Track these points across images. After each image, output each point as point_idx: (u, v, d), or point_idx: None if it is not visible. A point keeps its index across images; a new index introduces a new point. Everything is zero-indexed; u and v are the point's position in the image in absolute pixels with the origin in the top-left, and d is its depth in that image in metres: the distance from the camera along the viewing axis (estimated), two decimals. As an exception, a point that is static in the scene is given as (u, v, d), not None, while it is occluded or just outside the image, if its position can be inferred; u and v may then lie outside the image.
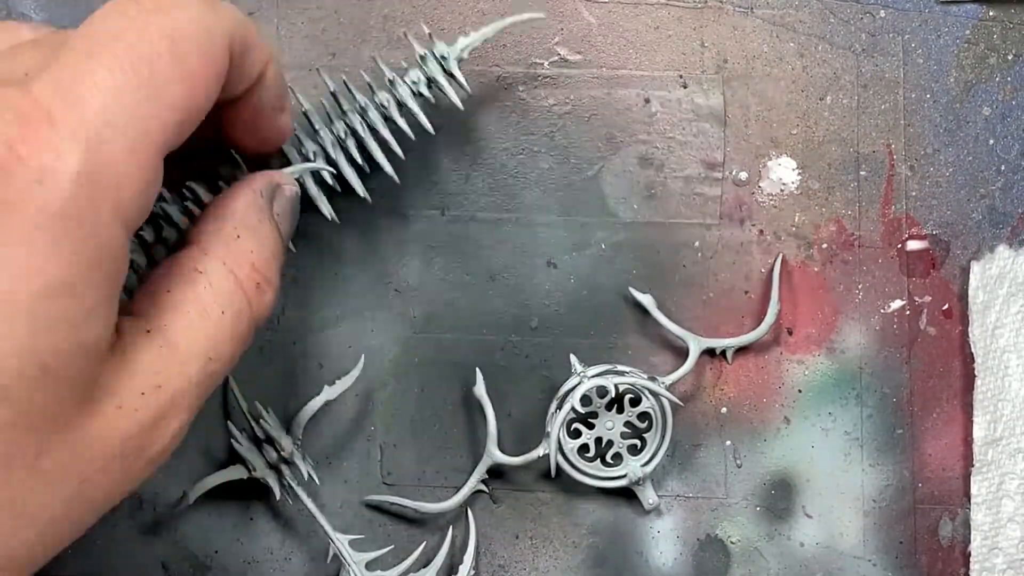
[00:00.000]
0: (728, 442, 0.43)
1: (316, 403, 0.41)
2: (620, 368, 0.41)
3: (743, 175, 0.43)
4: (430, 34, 0.40)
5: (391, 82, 0.40)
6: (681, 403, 0.41)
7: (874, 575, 0.42)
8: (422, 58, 0.40)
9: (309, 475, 0.41)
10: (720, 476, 0.43)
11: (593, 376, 0.40)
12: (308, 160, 0.39)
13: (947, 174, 0.43)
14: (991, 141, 0.43)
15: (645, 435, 0.41)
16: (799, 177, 0.43)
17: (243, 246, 0.31)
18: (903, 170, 0.43)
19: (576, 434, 0.41)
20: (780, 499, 0.43)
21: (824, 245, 0.43)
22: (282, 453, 0.40)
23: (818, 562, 0.42)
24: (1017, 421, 0.41)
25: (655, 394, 0.41)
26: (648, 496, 0.41)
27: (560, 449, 0.41)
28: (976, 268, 0.43)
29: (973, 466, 0.42)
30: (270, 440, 0.40)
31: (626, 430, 0.41)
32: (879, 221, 0.43)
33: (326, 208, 0.40)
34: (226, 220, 0.32)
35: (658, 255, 0.43)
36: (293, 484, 0.40)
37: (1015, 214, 0.43)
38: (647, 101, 0.43)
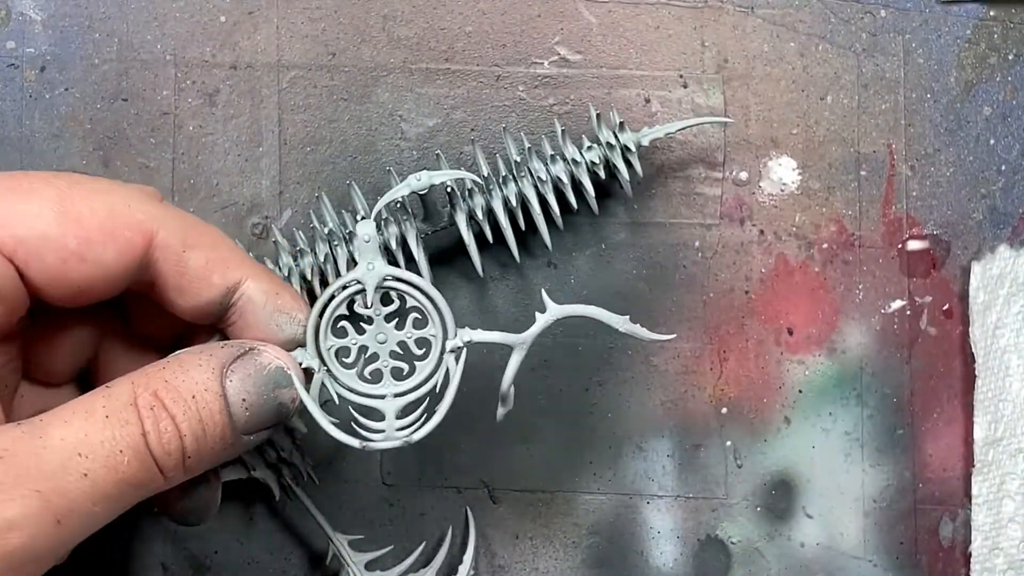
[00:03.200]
0: (728, 442, 0.43)
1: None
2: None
3: (743, 175, 0.43)
4: (622, 123, 0.40)
5: (573, 160, 0.40)
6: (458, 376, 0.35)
7: (875, 575, 0.42)
8: (599, 130, 0.40)
9: (308, 475, 0.41)
10: (720, 476, 0.43)
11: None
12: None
13: (948, 174, 0.43)
14: (992, 141, 0.43)
15: (417, 363, 0.35)
16: (799, 177, 0.43)
17: (159, 373, 0.30)
18: (904, 170, 0.43)
19: (341, 333, 0.35)
20: (780, 499, 0.43)
21: (824, 245, 0.43)
22: (281, 453, 0.40)
23: (819, 562, 0.42)
24: (1018, 421, 0.41)
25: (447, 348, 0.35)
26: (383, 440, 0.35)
27: (316, 339, 0.35)
28: (977, 268, 0.42)
29: (974, 466, 0.42)
30: (270, 440, 0.40)
31: (397, 350, 0.35)
32: (880, 221, 0.43)
33: (477, 262, 0.41)
34: (167, 357, 0.31)
35: (658, 255, 0.43)
36: (292, 484, 0.40)
37: (1016, 214, 0.43)
38: (647, 101, 0.43)
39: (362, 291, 0.35)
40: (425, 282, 0.35)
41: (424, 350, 0.35)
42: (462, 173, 0.38)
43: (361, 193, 0.41)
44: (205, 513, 0.35)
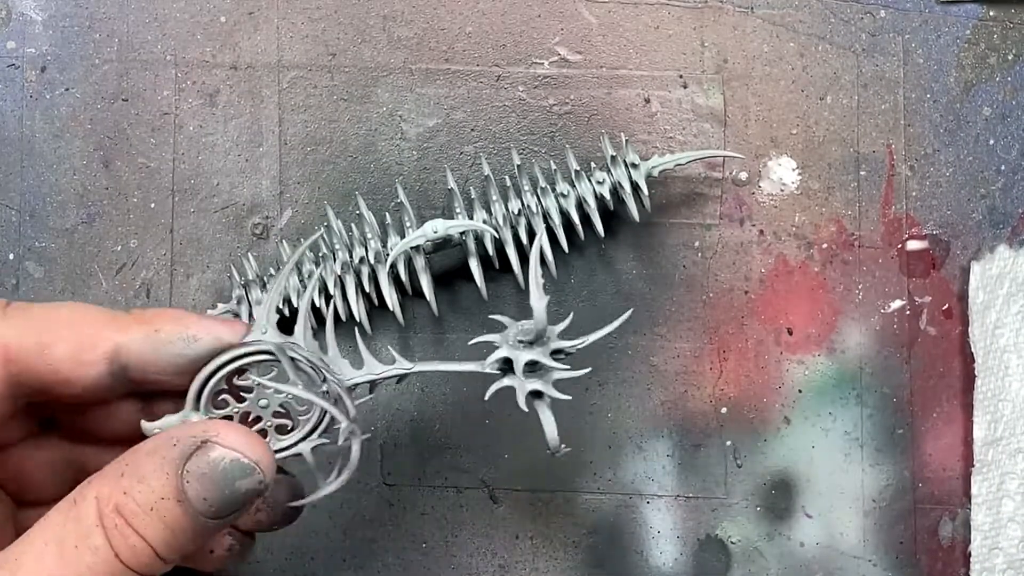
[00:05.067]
0: (728, 442, 0.43)
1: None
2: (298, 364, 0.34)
3: (743, 175, 0.43)
4: (627, 140, 0.41)
5: (576, 175, 0.41)
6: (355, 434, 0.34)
7: (874, 575, 0.42)
8: (613, 163, 0.41)
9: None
10: (720, 476, 0.43)
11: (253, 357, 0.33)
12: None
13: (947, 174, 0.43)
14: (991, 141, 0.43)
15: (301, 417, 0.34)
16: (799, 177, 0.43)
17: (120, 484, 0.30)
18: (903, 170, 0.43)
19: (223, 405, 0.34)
20: (780, 499, 0.43)
21: (824, 245, 0.43)
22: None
23: (818, 562, 0.42)
24: (1017, 421, 0.41)
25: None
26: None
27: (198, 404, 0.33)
28: (976, 268, 0.43)
29: (973, 466, 0.42)
30: None
31: (280, 410, 0.34)
32: (879, 221, 0.43)
33: (481, 283, 0.41)
34: (125, 456, 0.30)
35: (658, 255, 0.43)
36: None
37: (1015, 214, 0.43)
38: (647, 101, 0.43)
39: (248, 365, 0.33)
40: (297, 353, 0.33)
41: (306, 406, 0.34)
42: (477, 224, 0.38)
43: (362, 197, 0.41)
44: (295, 517, 0.36)
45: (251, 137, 0.43)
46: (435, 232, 0.37)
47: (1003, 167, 0.43)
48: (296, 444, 0.34)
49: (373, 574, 0.42)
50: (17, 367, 0.31)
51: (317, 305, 0.41)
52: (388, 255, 0.40)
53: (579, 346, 0.35)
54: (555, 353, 0.35)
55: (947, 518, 0.42)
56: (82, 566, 0.29)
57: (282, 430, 0.34)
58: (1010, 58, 0.43)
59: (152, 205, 0.43)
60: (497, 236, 0.40)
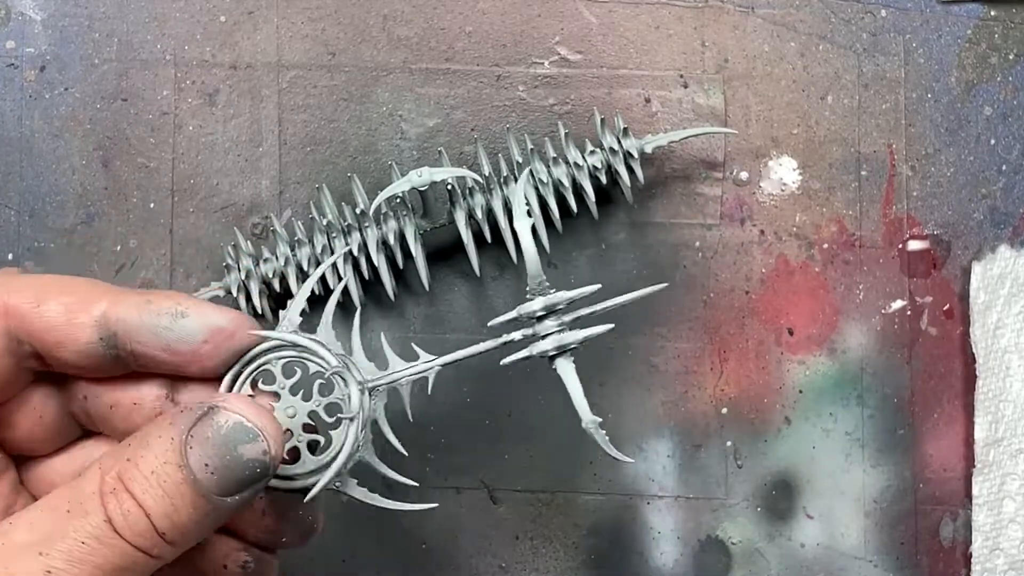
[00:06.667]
0: (729, 442, 0.43)
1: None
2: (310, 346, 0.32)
3: (744, 175, 0.43)
4: (625, 129, 0.41)
5: (575, 164, 0.41)
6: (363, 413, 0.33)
7: (875, 576, 0.42)
8: (603, 132, 0.41)
9: None
10: (721, 477, 0.43)
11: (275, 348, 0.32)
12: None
13: (948, 174, 0.43)
14: (992, 141, 0.43)
15: (333, 432, 0.32)
16: (800, 177, 0.43)
17: (123, 452, 0.29)
18: (904, 170, 0.43)
19: None
20: (781, 500, 0.43)
21: (825, 245, 0.43)
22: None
23: (819, 563, 0.42)
24: (1018, 422, 0.41)
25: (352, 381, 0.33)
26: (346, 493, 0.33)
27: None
28: (977, 268, 0.42)
29: (974, 467, 0.42)
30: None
31: (309, 422, 0.33)
32: (880, 221, 0.43)
33: (475, 260, 0.41)
34: (139, 431, 0.30)
35: (658, 255, 0.43)
36: None
37: (1016, 214, 0.43)
38: (647, 101, 0.43)
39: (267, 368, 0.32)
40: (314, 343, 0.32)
41: (335, 417, 0.33)
42: (463, 171, 0.38)
43: (363, 189, 0.41)
44: (310, 533, 0.35)
45: (251, 137, 0.43)
46: (420, 177, 0.38)
47: (1004, 167, 0.43)
48: (332, 462, 0.32)
49: (373, 574, 0.42)
50: (14, 321, 0.31)
51: (317, 293, 0.41)
52: (383, 239, 0.41)
53: (604, 310, 0.34)
54: (574, 324, 0.34)
55: (948, 519, 0.42)
56: (71, 530, 0.28)
57: (313, 448, 0.33)
58: (1011, 58, 0.43)
59: (151, 205, 0.43)
60: (481, 183, 0.40)
